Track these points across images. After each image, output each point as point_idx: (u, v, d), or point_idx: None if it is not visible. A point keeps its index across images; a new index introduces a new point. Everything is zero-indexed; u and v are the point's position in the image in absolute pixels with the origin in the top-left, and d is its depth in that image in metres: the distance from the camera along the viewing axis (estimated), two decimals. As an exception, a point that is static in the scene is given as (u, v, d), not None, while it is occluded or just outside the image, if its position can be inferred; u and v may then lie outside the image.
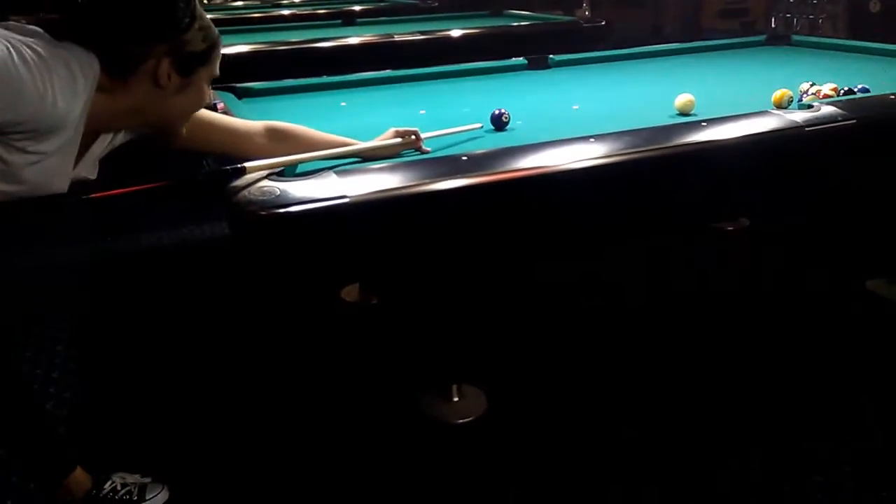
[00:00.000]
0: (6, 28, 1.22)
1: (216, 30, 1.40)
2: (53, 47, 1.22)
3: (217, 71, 1.44)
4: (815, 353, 2.32)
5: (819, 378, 2.19)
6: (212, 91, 1.49)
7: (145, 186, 1.40)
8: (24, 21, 1.27)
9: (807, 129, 1.88)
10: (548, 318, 2.59)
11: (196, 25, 1.34)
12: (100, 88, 1.28)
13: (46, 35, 1.24)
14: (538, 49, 3.08)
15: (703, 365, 2.27)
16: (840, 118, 1.92)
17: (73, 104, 1.23)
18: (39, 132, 1.21)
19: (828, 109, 1.96)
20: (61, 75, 1.20)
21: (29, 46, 1.18)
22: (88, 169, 1.41)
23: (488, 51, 3.26)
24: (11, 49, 1.15)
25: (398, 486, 1.82)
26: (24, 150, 1.21)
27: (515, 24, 4.28)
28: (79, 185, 1.36)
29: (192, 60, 1.36)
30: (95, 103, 1.28)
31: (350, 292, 2.70)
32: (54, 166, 1.27)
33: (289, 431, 2.03)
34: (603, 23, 4.13)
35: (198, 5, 1.36)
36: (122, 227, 3.40)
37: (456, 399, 2.09)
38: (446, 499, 1.79)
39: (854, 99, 2.11)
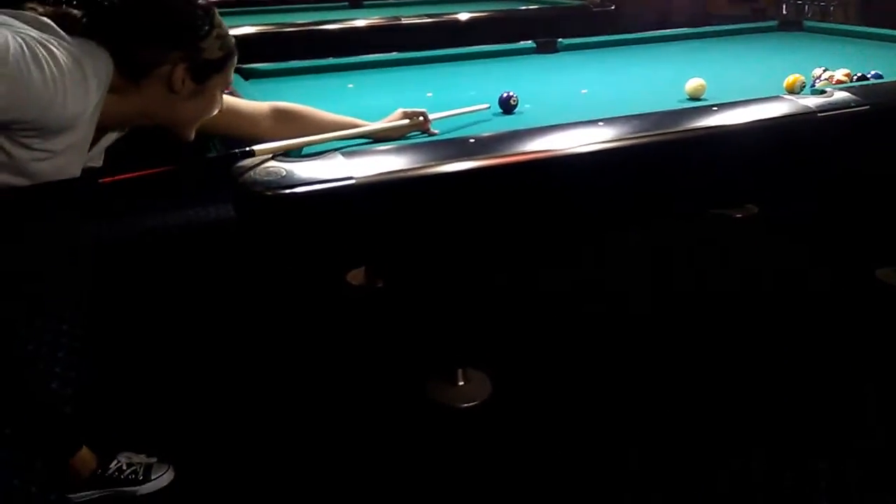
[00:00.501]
0: (20, 19, 1.21)
1: (233, 38, 1.40)
2: (68, 45, 1.21)
3: (231, 79, 1.44)
4: (824, 342, 2.31)
5: (828, 367, 2.18)
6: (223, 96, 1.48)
7: (153, 171, 1.39)
8: (40, 10, 1.26)
9: (819, 114, 1.86)
10: (553, 303, 2.58)
11: (214, 33, 1.34)
12: (112, 89, 1.28)
13: (61, 31, 1.22)
14: (547, 32, 3.06)
15: (710, 354, 2.26)
16: (853, 104, 1.90)
17: (84, 106, 1.22)
18: (48, 131, 1.20)
19: (841, 95, 1.93)
20: (74, 77, 1.19)
21: (43, 45, 1.17)
22: (94, 159, 1.40)
23: (496, 34, 3.23)
24: (25, 47, 1.13)
25: (403, 470, 1.82)
26: (29, 147, 1.20)
27: (524, 7, 4.25)
28: (85, 172, 1.36)
29: (208, 68, 1.36)
30: (107, 104, 1.28)
31: (356, 276, 2.70)
32: (62, 164, 1.26)
33: (294, 414, 2.03)
34: (612, 7, 4.10)
35: (216, 13, 1.36)
36: (128, 209, 3.40)
37: (461, 383, 2.09)
38: (451, 482, 1.79)
39: (867, 85, 2.09)
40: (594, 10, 4.10)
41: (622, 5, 4.24)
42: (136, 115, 1.36)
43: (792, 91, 2.04)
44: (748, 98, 1.92)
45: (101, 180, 1.39)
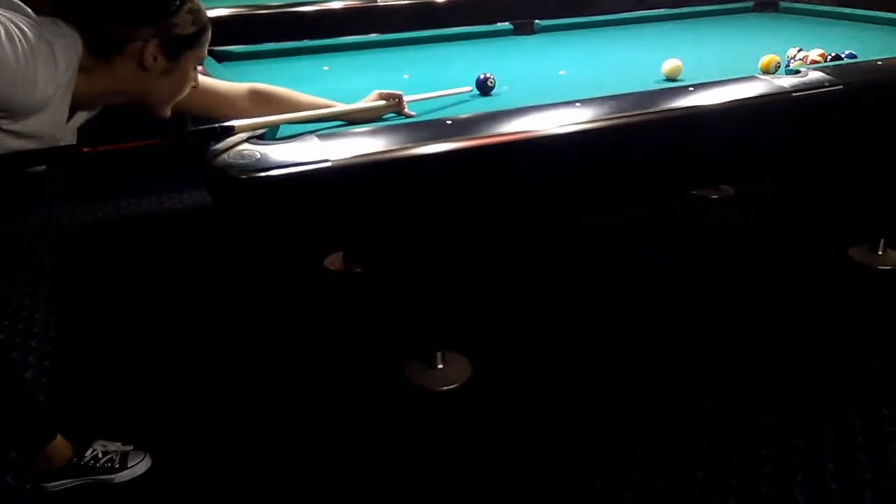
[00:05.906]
0: None
1: (206, 13, 1.37)
2: (38, 25, 1.18)
3: (204, 54, 1.42)
4: (797, 321, 2.34)
5: (801, 347, 2.20)
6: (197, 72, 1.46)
7: (132, 144, 1.37)
8: None
9: (794, 94, 1.87)
10: (532, 285, 2.58)
11: (186, 8, 1.32)
12: (82, 69, 1.25)
13: (28, 10, 1.20)
14: (524, 14, 3.04)
15: (686, 332, 2.28)
16: (827, 84, 1.92)
17: (55, 85, 1.20)
18: (18, 112, 1.18)
19: (815, 75, 1.95)
20: (45, 56, 1.17)
21: (14, 24, 1.14)
22: (67, 139, 1.37)
23: (473, 15, 3.21)
24: None
25: (383, 453, 1.82)
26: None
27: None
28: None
29: (180, 44, 1.33)
30: (78, 84, 1.25)
31: (334, 261, 2.68)
32: (34, 146, 1.24)
33: (271, 400, 2.02)
34: (589, -13, 4.07)
35: None
36: (102, 191, 3.36)
37: (440, 366, 2.09)
38: (430, 465, 1.79)
39: (841, 65, 2.10)
40: (571, -10, 4.08)
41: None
42: (109, 93, 1.34)
43: (767, 71, 2.05)
44: (724, 78, 1.93)
45: (82, 150, 1.36)
